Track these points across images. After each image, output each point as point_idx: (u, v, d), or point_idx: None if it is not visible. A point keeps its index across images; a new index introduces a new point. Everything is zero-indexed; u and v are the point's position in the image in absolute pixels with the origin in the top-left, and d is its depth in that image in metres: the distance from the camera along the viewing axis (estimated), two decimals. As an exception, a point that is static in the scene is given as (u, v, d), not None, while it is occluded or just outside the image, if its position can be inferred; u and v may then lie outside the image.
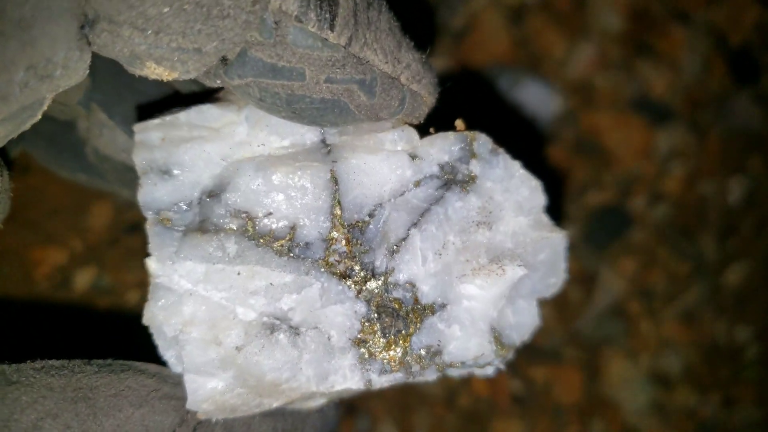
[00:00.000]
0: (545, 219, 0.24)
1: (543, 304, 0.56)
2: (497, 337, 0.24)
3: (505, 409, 0.54)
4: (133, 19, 0.16)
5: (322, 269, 0.20)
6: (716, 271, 0.59)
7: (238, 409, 0.21)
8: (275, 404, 0.22)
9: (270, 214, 0.20)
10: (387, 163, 0.21)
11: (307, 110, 0.19)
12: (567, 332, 0.56)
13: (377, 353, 0.21)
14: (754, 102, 0.61)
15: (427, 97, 0.21)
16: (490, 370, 0.25)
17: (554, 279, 0.26)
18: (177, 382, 0.20)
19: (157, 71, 0.18)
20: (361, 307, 0.21)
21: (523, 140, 0.57)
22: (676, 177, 0.59)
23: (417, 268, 0.21)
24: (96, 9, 0.16)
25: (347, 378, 0.21)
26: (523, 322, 0.26)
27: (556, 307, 0.56)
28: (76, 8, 0.16)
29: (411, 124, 0.22)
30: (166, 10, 0.16)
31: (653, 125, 0.59)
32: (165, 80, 0.18)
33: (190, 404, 0.20)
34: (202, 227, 0.20)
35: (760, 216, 0.60)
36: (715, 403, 0.58)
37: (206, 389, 0.20)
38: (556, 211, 0.26)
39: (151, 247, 0.21)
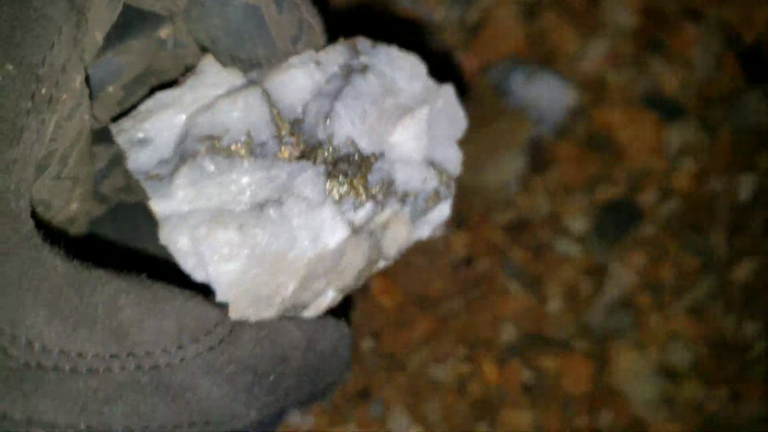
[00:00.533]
0: (430, 81, 0.30)
1: (553, 295, 0.57)
2: (434, 165, 0.29)
3: (515, 398, 0.55)
4: None
5: (282, 158, 0.26)
6: (725, 267, 0.60)
7: (261, 297, 0.24)
8: (291, 285, 0.25)
9: (228, 131, 0.25)
10: (300, 72, 0.26)
11: (233, 20, 0.24)
12: (577, 324, 0.57)
13: (345, 194, 0.26)
14: (765, 100, 0.62)
15: (317, 28, 0.26)
16: (445, 208, 0.30)
17: (458, 123, 0.32)
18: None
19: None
20: (320, 169, 0.26)
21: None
22: (686, 173, 0.60)
23: (351, 129, 0.27)
24: None
25: (334, 228, 0.25)
26: (450, 156, 0.30)
27: (566, 299, 0.57)
28: None
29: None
30: None
31: (664, 121, 0.60)
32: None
33: (220, 295, 0.23)
34: (182, 161, 0.25)
35: (770, 213, 0.61)
36: (722, 398, 0.58)
37: (228, 272, 0.23)
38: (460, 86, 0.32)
39: (150, 195, 0.25)
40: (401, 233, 0.28)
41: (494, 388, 0.55)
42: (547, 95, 0.58)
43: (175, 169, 0.25)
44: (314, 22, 0.25)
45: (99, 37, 0.22)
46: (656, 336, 0.58)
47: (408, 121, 0.28)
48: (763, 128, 0.61)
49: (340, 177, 0.26)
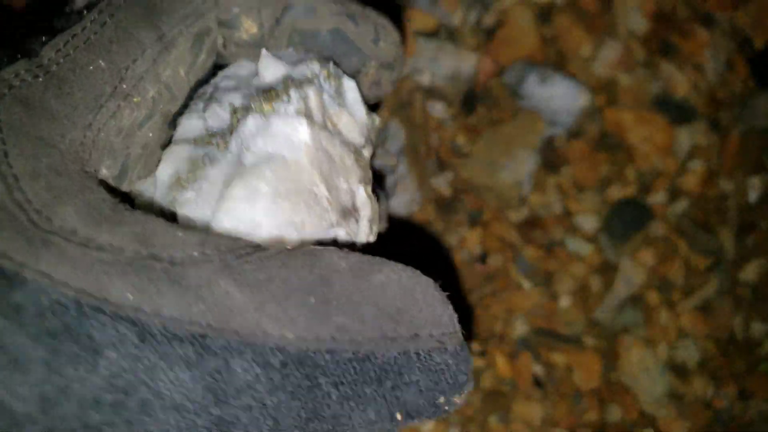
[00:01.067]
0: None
1: (565, 292, 0.58)
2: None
3: (526, 392, 0.56)
4: None
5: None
6: (734, 266, 0.61)
7: (310, 204, 0.25)
8: (318, 183, 0.26)
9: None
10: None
11: (325, 41, 0.28)
12: (587, 320, 0.58)
13: (275, 101, 0.27)
14: (775, 103, 0.63)
15: (389, 26, 0.29)
16: (350, 84, 0.30)
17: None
18: None
19: (247, 26, 0.27)
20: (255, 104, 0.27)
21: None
22: (696, 174, 0.61)
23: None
24: None
25: (294, 128, 0.26)
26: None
27: (577, 296, 0.58)
28: None
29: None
30: None
31: (675, 123, 0.61)
32: (251, 35, 0.27)
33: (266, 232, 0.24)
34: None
35: (779, 214, 0.62)
36: (730, 395, 0.59)
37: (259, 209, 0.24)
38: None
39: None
40: (349, 118, 0.28)
41: (506, 381, 0.56)
42: (560, 97, 0.59)
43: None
44: (384, 21, 0.29)
45: (182, 72, 0.26)
46: (665, 333, 0.59)
47: None
48: (772, 131, 0.62)
49: (264, 98, 0.27)
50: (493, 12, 0.59)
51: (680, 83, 0.62)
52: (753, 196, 0.62)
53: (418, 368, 0.21)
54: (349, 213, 0.26)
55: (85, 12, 0.25)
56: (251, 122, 0.25)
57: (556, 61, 0.60)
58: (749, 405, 0.60)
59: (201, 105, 0.27)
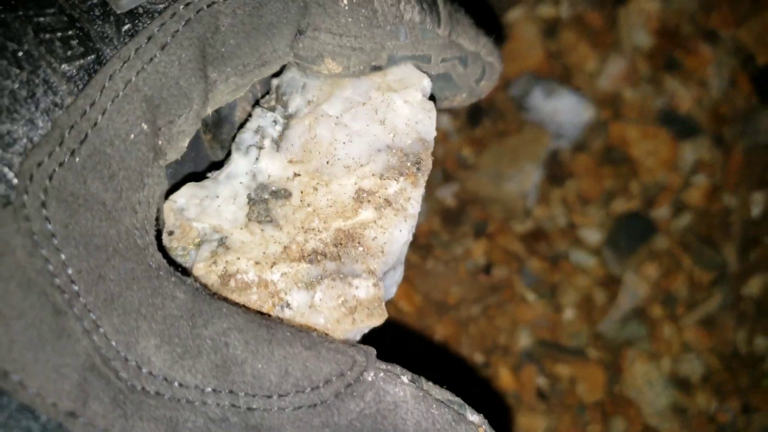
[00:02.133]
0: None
1: (569, 304, 0.58)
2: None
3: (530, 404, 0.56)
4: (330, 26, 0.24)
5: None
6: (738, 281, 0.61)
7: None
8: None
9: None
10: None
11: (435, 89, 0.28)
12: (591, 333, 0.58)
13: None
14: (778, 119, 0.63)
15: (498, 65, 0.29)
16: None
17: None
18: (342, 343, 0.23)
19: (330, 66, 0.25)
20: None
21: None
22: (700, 189, 0.62)
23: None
24: (309, 20, 0.24)
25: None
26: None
27: (581, 309, 0.58)
28: (299, 19, 0.24)
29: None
30: (350, 19, 0.24)
31: (679, 138, 0.62)
32: (333, 73, 0.25)
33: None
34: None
35: (782, 229, 0.62)
36: (734, 409, 0.59)
37: None
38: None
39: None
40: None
41: (511, 394, 0.56)
42: (565, 111, 0.60)
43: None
44: (493, 58, 0.28)
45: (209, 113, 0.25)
46: (669, 347, 0.59)
47: None
48: (775, 147, 0.63)
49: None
50: (500, 26, 0.60)
51: (684, 99, 0.62)
52: (756, 211, 0.62)
53: None
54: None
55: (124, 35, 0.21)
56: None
57: (561, 75, 0.60)
58: (753, 419, 0.60)
59: None
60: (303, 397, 0.21)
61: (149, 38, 0.20)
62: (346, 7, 0.23)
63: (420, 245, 0.58)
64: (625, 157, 0.61)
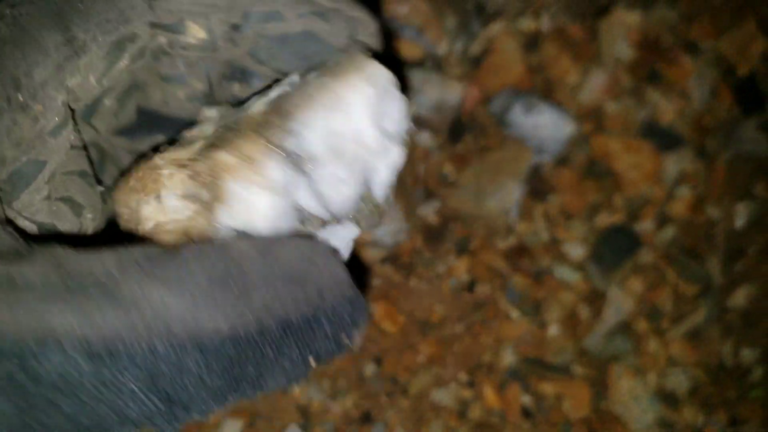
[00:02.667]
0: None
1: (553, 320, 0.57)
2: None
3: (515, 422, 0.56)
4: None
5: None
6: (723, 293, 0.61)
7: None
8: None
9: None
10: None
11: (295, 44, 0.28)
12: (577, 349, 0.58)
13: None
14: (760, 130, 0.63)
15: (367, 20, 0.28)
16: None
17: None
18: None
19: (193, 31, 0.26)
20: None
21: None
22: (684, 201, 0.61)
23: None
24: None
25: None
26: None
27: (566, 324, 0.58)
28: None
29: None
30: None
31: (662, 150, 0.61)
32: (199, 39, 0.26)
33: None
34: None
35: (767, 240, 0.62)
36: (722, 423, 0.59)
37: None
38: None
39: None
40: None
41: (495, 412, 0.55)
42: (547, 125, 0.59)
43: None
44: (359, 14, 0.28)
45: (93, 80, 0.25)
46: (655, 361, 0.59)
47: None
48: (757, 157, 0.63)
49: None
50: (480, 41, 0.59)
51: (666, 110, 0.62)
52: (740, 222, 0.62)
53: (326, 320, 0.24)
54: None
55: None
56: None
57: (542, 89, 0.60)
58: (741, 431, 0.59)
59: None
60: (148, 256, 0.22)
61: None
62: None
63: (402, 263, 0.57)
64: (608, 170, 0.61)
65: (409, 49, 0.57)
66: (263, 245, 0.23)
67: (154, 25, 0.25)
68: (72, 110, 0.25)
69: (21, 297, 0.20)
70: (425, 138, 0.58)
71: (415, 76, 0.57)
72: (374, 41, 0.28)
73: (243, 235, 0.24)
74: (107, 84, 0.26)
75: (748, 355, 0.61)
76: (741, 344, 0.61)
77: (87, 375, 0.20)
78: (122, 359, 0.20)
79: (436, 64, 0.58)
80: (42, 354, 0.19)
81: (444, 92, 0.58)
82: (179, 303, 0.21)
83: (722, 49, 0.63)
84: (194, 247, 0.22)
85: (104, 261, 0.21)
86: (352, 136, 0.26)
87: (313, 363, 0.24)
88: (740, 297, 0.61)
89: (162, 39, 0.26)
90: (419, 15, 0.57)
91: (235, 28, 0.26)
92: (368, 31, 0.28)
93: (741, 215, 0.62)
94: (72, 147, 0.25)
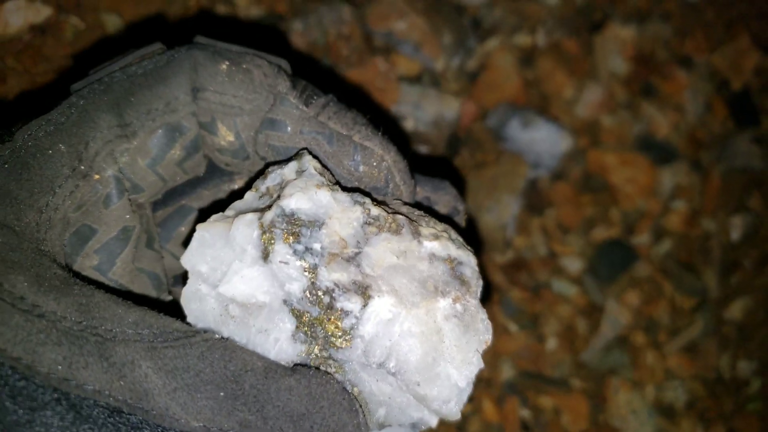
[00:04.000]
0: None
1: (551, 334, 0.58)
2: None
3: (514, 437, 0.56)
4: (213, 86, 0.28)
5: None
6: (719, 306, 0.61)
7: None
8: None
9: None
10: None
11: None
12: (574, 362, 0.58)
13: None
14: (754, 143, 0.64)
15: (378, 152, 0.29)
16: None
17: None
18: None
19: (223, 132, 0.29)
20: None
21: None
22: (679, 214, 0.62)
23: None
24: (198, 81, 0.28)
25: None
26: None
27: (563, 338, 0.58)
28: (192, 75, 0.28)
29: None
30: (226, 79, 0.29)
31: (657, 164, 0.62)
32: (228, 141, 0.29)
33: None
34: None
35: (762, 253, 0.62)
36: (719, 436, 0.59)
37: None
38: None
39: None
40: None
41: (494, 426, 0.55)
42: (543, 140, 0.60)
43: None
44: (370, 143, 0.29)
45: (141, 162, 0.28)
46: (652, 374, 0.59)
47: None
48: (752, 170, 0.63)
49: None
50: (476, 56, 0.60)
51: (661, 124, 0.63)
52: (735, 235, 0.63)
53: None
54: None
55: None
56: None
57: (538, 104, 0.60)
58: (738, 444, 0.60)
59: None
60: (153, 332, 0.23)
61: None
62: (225, 71, 0.28)
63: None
64: (604, 184, 0.61)
65: (406, 64, 0.58)
66: (273, 366, 0.24)
67: (201, 124, 0.29)
68: (125, 189, 0.28)
69: (29, 326, 0.22)
70: (423, 153, 0.58)
71: (413, 92, 0.57)
72: (383, 174, 0.29)
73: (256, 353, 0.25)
74: (164, 173, 0.29)
75: (744, 367, 0.61)
76: (738, 357, 0.61)
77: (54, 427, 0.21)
78: (90, 415, 0.22)
79: (433, 79, 0.58)
80: (24, 390, 0.21)
81: (441, 107, 0.58)
82: (160, 384, 0.22)
83: (716, 64, 0.64)
84: (206, 341, 0.24)
85: (125, 317, 0.23)
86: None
87: None
88: (736, 310, 0.61)
89: (205, 136, 0.29)
90: (416, 31, 0.57)
91: (257, 133, 0.29)
92: (375, 162, 0.29)
93: (736, 228, 0.63)
94: (125, 228, 0.28)
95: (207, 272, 0.26)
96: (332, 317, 0.25)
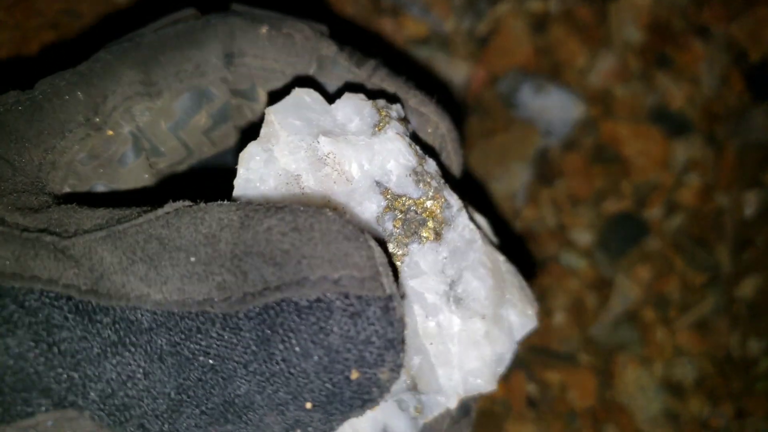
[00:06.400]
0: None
1: (559, 308, 0.56)
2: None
3: (520, 411, 0.54)
4: (254, 51, 0.27)
5: None
6: (731, 283, 0.60)
7: None
8: None
9: None
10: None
11: None
12: (582, 337, 0.56)
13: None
14: (771, 117, 0.62)
15: (434, 119, 0.28)
16: None
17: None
18: None
19: (262, 97, 0.28)
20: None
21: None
22: (692, 188, 0.60)
23: None
24: (236, 46, 0.27)
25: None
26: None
27: (572, 313, 0.57)
28: (226, 40, 0.27)
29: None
30: (267, 43, 0.27)
31: (671, 136, 0.60)
32: (266, 93, 0.28)
33: None
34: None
35: (776, 230, 0.61)
36: (727, 414, 0.58)
37: None
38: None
39: None
40: None
41: (499, 402, 0.54)
42: (555, 108, 0.58)
43: None
44: (426, 110, 0.28)
45: (163, 124, 0.28)
46: (661, 351, 0.58)
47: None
48: (767, 145, 0.61)
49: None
50: (487, 20, 0.58)
51: (676, 96, 0.61)
52: (749, 211, 0.61)
53: (309, 322, 0.17)
54: None
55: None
56: None
57: (550, 71, 0.58)
58: (746, 424, 0.58)
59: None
60: (123, 216, 0.21)
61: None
62: (265, 35, 0.27)
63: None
64: (616, 155, 0.59)
65: (414, 25, 0.56)
66: (252, 212, 0.19)
67: (234, 92, 0.28)
68: (143, 149, 0.27)
69: None
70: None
71: (420, 54, 0.55)
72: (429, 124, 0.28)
73: (238, 202, 0.21)
74: (187, 138, 0.28)
75: (754, 346, 0.60)
76: (748, 335, 0.60)
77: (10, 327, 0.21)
78: (45, 309, 0.20)
79: (442, 42, 0.56)
80: None
81: (450, 72, 0.56)
82: (114, 262, 0.20)
83: (734, 34, 0.62)
84: (174, 210, 0.21)
85: (90, 216, 0.22)
86: None
87: (310, 407, 0.18)
88: (748, 287, 0.60)
89: (240, 105, 0.28)
90: (425, -8, 0.55)
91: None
92: (425, 124, 0.28)
93: (750, 204, 0.61)
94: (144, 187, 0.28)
95: (298, 127, 0.23)
96: (437, 199, 0.24)
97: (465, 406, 0.25)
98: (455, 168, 0.29)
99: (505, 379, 0.55)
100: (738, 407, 0.58)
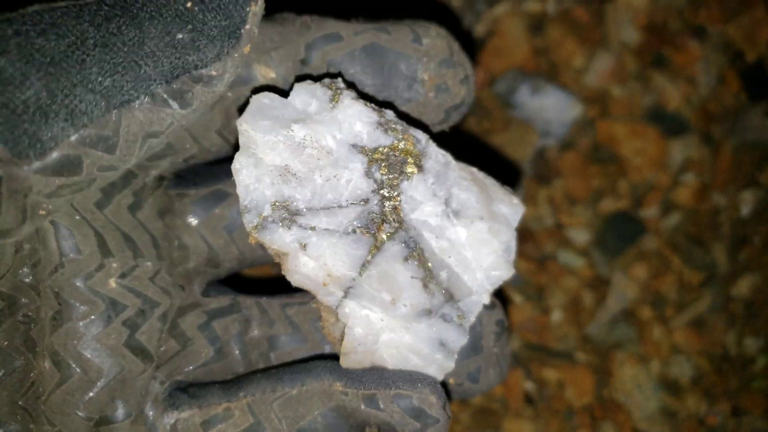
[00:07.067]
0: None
1: (556, 306, 0.56)
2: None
3: (517, 409, 0.55)
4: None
5: None
6: (727, 282, 0.60)
7: None
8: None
9: None
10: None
11: (359, 60, 0.30)
12: (580, 335, 0.57)
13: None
14: (767, 117, 0.62)
15: (429, 24, 0.30)
16: None
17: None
18: None
19: (261, 72, 0.29)
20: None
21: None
22: (689, 187, 0.61)
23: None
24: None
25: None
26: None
27: (569, 311, 0.57)
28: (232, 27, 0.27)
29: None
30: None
31: (668, 136, 0.61)
32: (267, 78, 0.29)
33: None
34: None
35: (772, 229, 0.61)
36: (724, 412, 0.58)
37: None
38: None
39: None
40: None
41: (496, 398, 0.55)
42: (552, 108, 0.58)
43: None
44: (419, 22, 0.29)
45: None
46: (658, 349, 0.58)
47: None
48: (764, 144, 0.62)
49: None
50: (485, 21, 0.58)
51: (673, 96, 0.61)
52: (745, 210, 0.61)
53: None
54: None
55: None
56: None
57: (548, 71, 0.59)
58: (742, 422, 0.59)
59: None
60: None
61: None
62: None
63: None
64: (613, 155, 0.60)
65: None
66: None
67: (232, 84, 0.28)
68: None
69: None
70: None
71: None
72: (446, 42, 0.29)
73: None
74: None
75: (751, 344, 0.60)
76: (744, 333, 0.60)
77: None
78: None
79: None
80: None
81: (448, 73, 0.57)
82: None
83: (730, 35, 0.62)
84: None
85: None
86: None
87: (189, 4, 0.26)
88: (744, 286, 0.60)
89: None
90: (424, -6, 0.56)
91: (304, 61, 0.29)
92: (434, 32, 0.29)
93: (746, 203, 0.62)
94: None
95: (268, 126, 0.26)
96: (407, 138, 0.27)
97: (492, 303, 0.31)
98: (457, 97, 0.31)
99: (503, 376, 0.56)
100: (735, 405, 0.59)
